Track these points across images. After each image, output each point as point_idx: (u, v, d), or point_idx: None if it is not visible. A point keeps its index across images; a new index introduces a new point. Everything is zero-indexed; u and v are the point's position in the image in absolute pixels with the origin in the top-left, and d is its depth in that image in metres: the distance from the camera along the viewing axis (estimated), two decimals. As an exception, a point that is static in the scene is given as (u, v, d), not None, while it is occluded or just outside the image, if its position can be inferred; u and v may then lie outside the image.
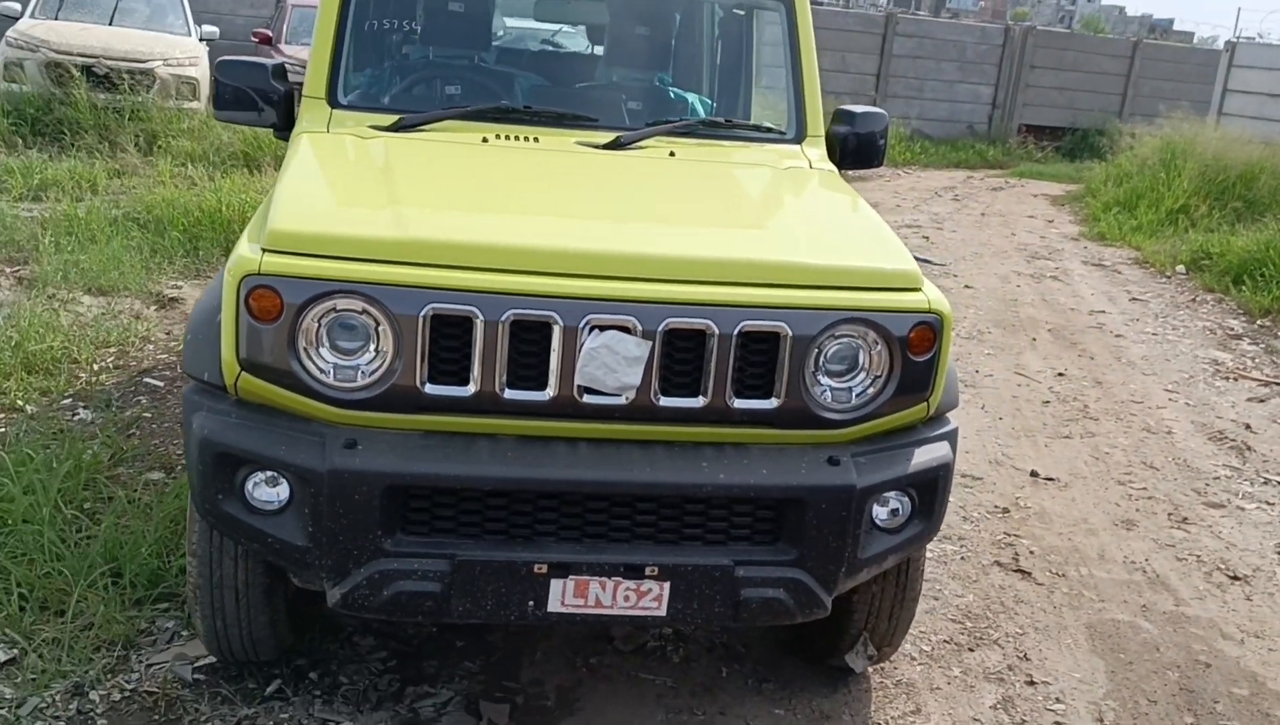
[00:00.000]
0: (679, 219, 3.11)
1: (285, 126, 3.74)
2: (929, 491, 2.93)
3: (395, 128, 3.52)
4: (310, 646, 3.36)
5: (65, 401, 5.09)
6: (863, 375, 2.84)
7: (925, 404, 2.90)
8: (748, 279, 2.75)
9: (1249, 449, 5.86)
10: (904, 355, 2.81)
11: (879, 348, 2.81)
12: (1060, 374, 6.95)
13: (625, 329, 2.65)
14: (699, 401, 2.73)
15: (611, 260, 2.71)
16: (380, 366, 2.66)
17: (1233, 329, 8.51)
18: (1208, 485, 5.30)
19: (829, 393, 2.82)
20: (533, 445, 2.71)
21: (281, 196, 2.89)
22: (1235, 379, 7.19)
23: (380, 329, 2.64)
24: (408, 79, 4.18)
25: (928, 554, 4.25)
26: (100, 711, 3.02)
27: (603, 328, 2.65)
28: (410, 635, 3.46)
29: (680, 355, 2.71)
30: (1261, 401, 6.78)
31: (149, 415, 4.96)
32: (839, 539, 2.79)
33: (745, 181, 3.55)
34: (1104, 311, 8.84)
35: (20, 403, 5.00)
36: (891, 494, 2.90)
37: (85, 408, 5.02)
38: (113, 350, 5.83)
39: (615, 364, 2.65)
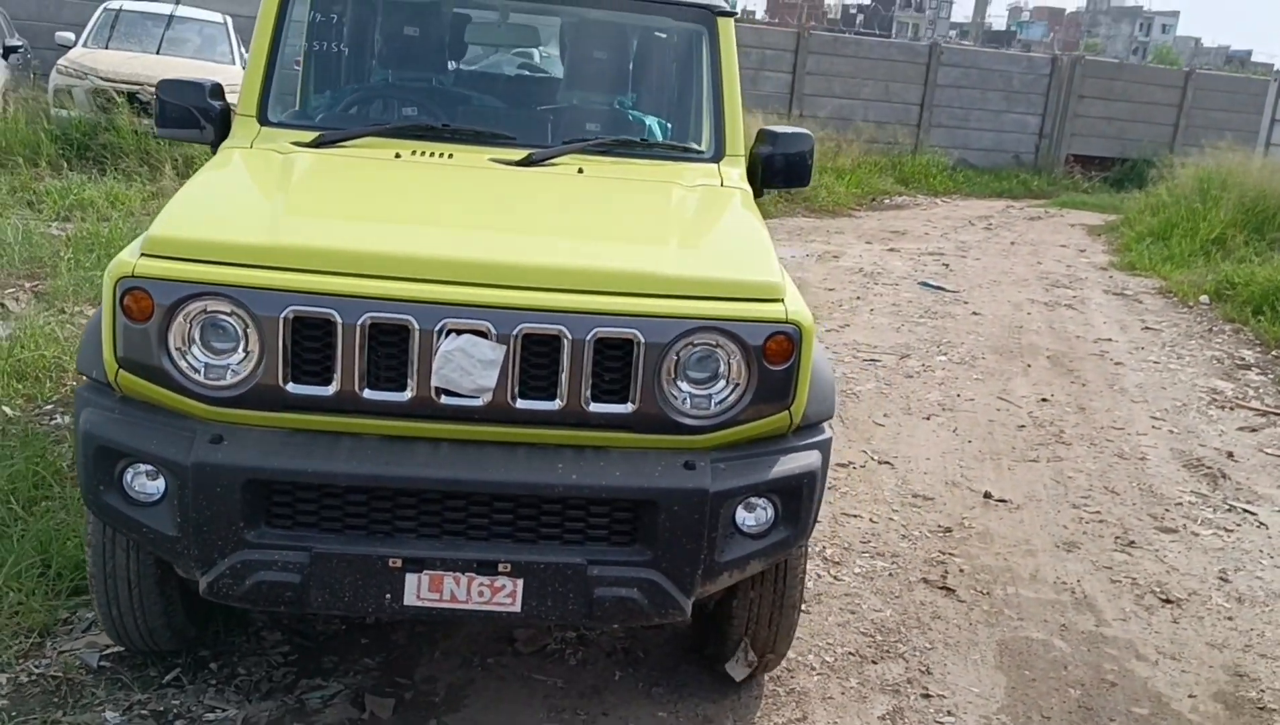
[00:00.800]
0: (551, 229, 3.20)
1: (219, 143, 3.90)
2: (793, 498, 2.96)
3: (316, 144, 3.66)
4: (215, 638, 3.48)
5: (47, 407, 5.30)
6: (722, 383, 2.89)
7: (787, 413, 2.94)
8: (601, 287, 2.82)
9: (1223, 477, 5.76)
10: (760, 364, 2.85)
11: (736, 357, 2.86)
12: (1044, 400, 6.89)
13: (480, 333, 2.74)
14: (555, 404, 2.80)
15: (467, 266, 2.80)
16: (248, 366, 2.77)
17: (1243, 359, 8.36)
18: (1167, 511, 5.23)
19: (688, 399, 2.87)
20: (395, 444, 2.81)
21: (171, 205, 3.03)
22: (1232, 408, 7.07)
23: (247, 330, 2.75)
24: (350, 100, 4.33)
25: (855, 570, 4.27)
26: (4, 693, 3.16)
27: (458, 332, 2.73)
28: (317, 631, 3.56)
29: (537, 360, 2.79)
30: (1253, 431, 6.65)
31: (122, 421, 5.15)
32: (694, 541, 2.84)
33: (640, 197, 3.63)
34: (1110, 339, 8.73)
35: (3, 407, 5.21)
36: (759, 500, 2.94)
37: (64, 414, 5.23)
38: (106, 360, 6.04)
39: (470, 367, 2.74)
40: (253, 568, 2.76)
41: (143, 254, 2.78)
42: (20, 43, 13.76)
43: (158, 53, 12.80)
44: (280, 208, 3.04)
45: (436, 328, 2.73)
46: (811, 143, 4.11)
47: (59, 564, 3.66)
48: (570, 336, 2.75)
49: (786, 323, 2.86)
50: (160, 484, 2.81)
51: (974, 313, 9.26)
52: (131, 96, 11.75)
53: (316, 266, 2.76)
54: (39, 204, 9.65)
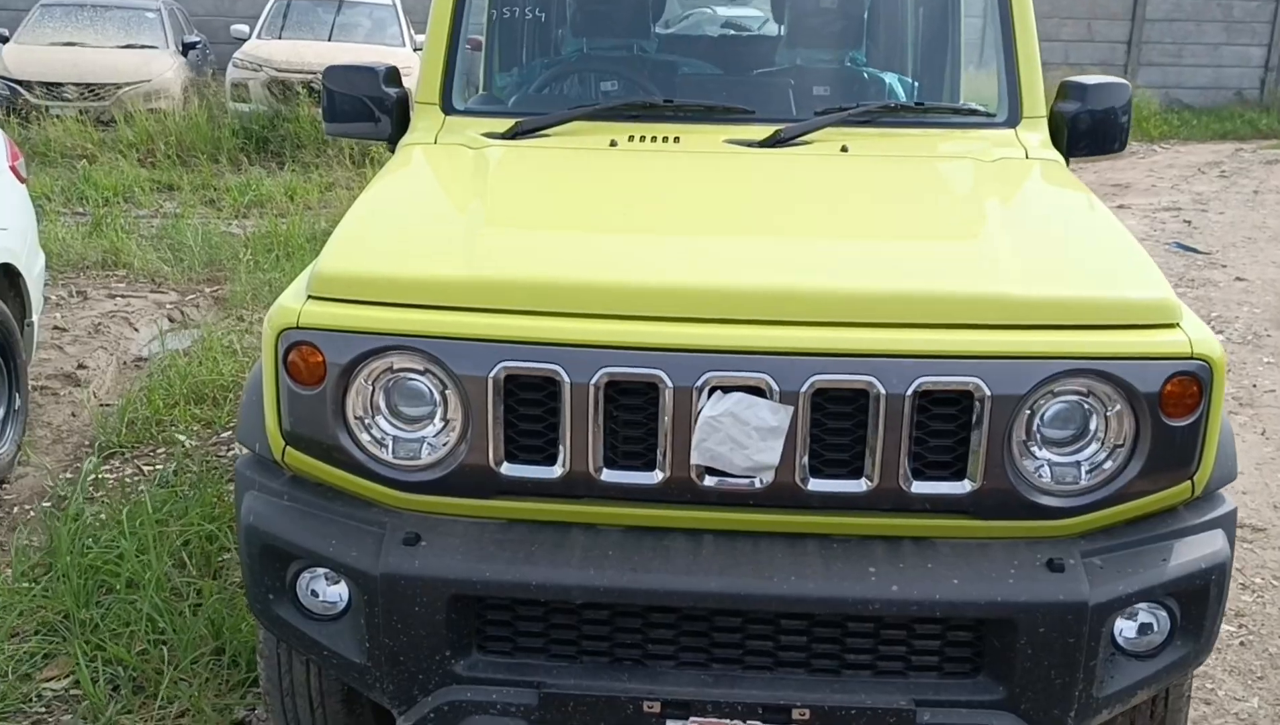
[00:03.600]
0: (836, 236, 2.38)
1: (399, 138, 3.23)
2: (1196, 602, 2.09)
3: (511, 134, 2.94)
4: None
5: (225, 434, 4.82)
6: (1095, 446, 2.04)
7: (1189, 483, 2.07)
8: (926, 319, 2.00)
9: None
10: (1155, 418, 1.99)
11: (1118, 408, 2.00)
12: (1362, 386, 5.71)
13: (757, 390, 1.96)
14: (861, 485, 2.01)
15: (736, 298, 2.02)
16: (448, 441, 2.07)
17: None
18: None
19: (1047, 470, 2.03)
20: (642, 540, 2.06)
21: (341, 231, 2.35)
22: None
23: (446, 393, 2.05)
24: (543, 77, 3.60)
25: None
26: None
27: (726, 389, 1.97)
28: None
29: (835, 423, 2.00)
30: None
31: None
32: (1066, 673, 2.00)
33: (935, 182, 2.77)
34: None
35: (179, 436, 4.75)
36: (1150, 606, 2.08)
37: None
38: (286, 375, 5.55)
39: (744, 437, 1.97)
40: (464, 710, 2.06)
41: (310, 296, 2.11)
42: (198, 38, 13.69)
43: (329, 39, 12.50)
44: (480, 224, 2.33)
45: (697, 384, 1.96)
46: (1128, 94, 3.17)
47: (233, 648, 3.08)
48: (883, 390, 1.95)
49: (1192, 358, 1.99)
50: (342, 592, 2.15)
51: (1237, 278, 8.01)
52: (309, 86, 11.45)
53: (534, 306, 2.03)
54: (219, 201, 9.39)
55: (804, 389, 1.95)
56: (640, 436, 2.02)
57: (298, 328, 2.07)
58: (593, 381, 1.97)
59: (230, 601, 3.28)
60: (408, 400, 2.09)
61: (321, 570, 2.15)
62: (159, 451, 4.67)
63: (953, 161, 2.87)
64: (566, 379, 1.98)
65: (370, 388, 2.08)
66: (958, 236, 2.37)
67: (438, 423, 2.09)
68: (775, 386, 1.95)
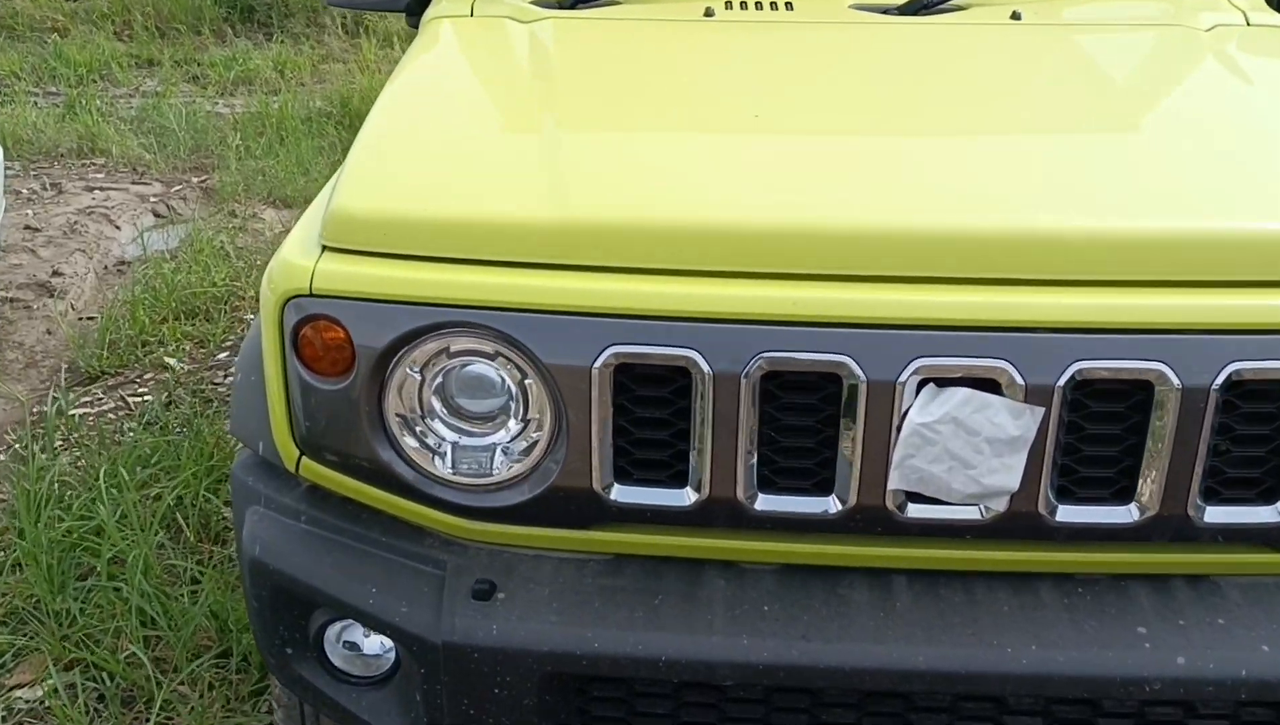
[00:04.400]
0: (1067, 154, 1.68)
1: (420, 10, 2.50)
2: None
3: (570, 1, 2.23)
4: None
5: (221, 356, 4.18)
6: None
7: None
8: (1244, 275, 1.35)
9: None
10: None
11: None
12: None
13: (990, 384, 1.32)
14: (1131, 513, 1.39)
15: (957, 247, 1.36)
16: (532, 451, 1.45)
17: None
18: None
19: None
20: (809, 589, 1.45)
21: (364, 148, 1.67)
22: None
23: (528, 385, 1.42)
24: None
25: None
26: None
27: (943, 382, 1.33)
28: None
29: (1098, 429, 1.36)
30: None
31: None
32: None
33: (1149, 63, 2.07)
34: None
35: (168, 359, 4.11)
36: None
37: (241, 365, 4.08)
38: (287, 281, 4.88)
39: (971, 452, 1.34)
40: (563, 821, 1.49)
41: (325, 247, 1.45)
42: (173, -105, 12.54)
43: (316, -106, 11.40)
44: (557, 138, 1.65)
45: (901, 377, 1.32)
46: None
47: (243, 647, 2.50)
48: (1178, 382, 1.31)
49: None
50: (387, 644, 1.55)
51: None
52: (293, -54, 10.44)
53: (657, 262, 1.38)
54: (203, 78, 8.54)
55: (1060, 381, 1.32)
56: (811, 449, 1.39)
57: (311, 296, 1.42)
58: (746, 372, 1.34)
59: (238, 584, 2.69)
60: (473, 394, 1.46)
61: (355, 622, 1.55)
62: (145, 377, 4.04)
63: (1158, 32, 2.17)
64: (707, 369, 1.34)
65: (419, 378, 1.44)
66: (1223, 148, 1.68)
67: (515, 424, 1.46)
68: (1020, 378, 1.31)
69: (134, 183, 6.32)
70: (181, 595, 2.65)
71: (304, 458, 1.53)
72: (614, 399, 1.38)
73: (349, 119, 7.11)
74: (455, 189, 1.50)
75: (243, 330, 4.39)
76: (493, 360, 1.43)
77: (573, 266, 1.38)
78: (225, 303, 4.56)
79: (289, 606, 1.56)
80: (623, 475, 1.43)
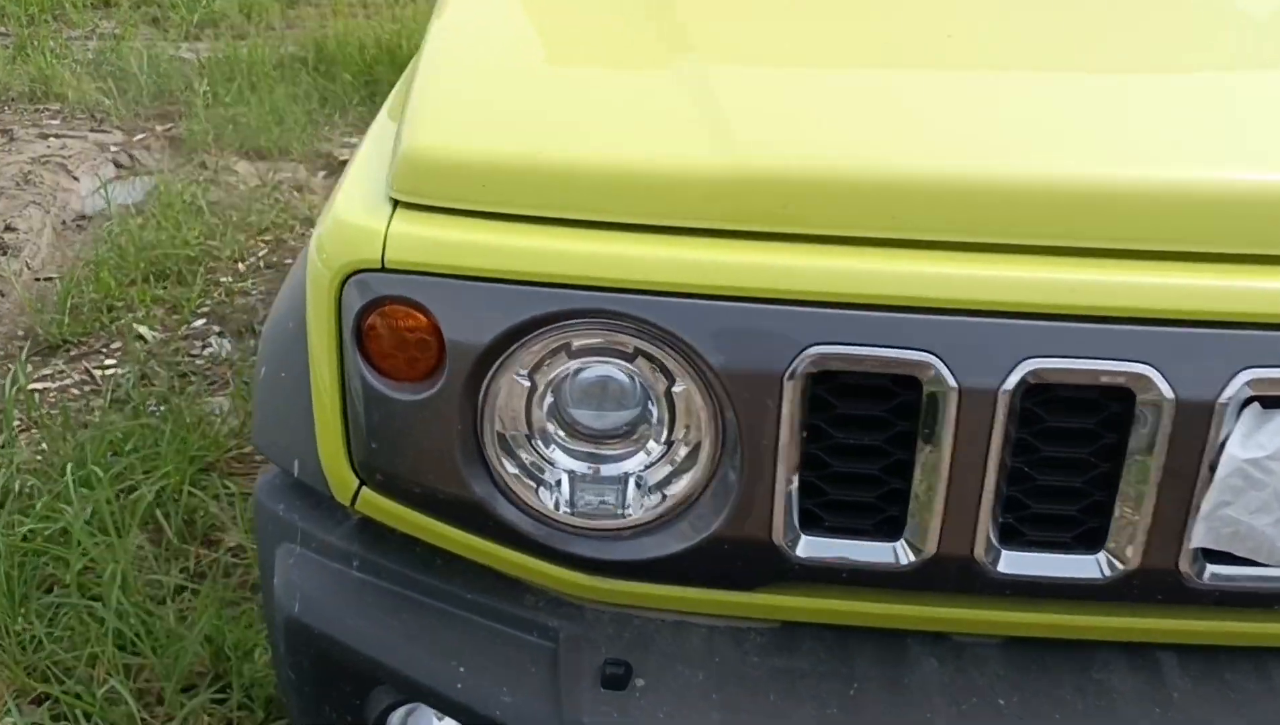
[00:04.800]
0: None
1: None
2: None
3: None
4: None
5: (197, 323, 3.73)
6: None
7: None
8: None
9: None
10: None
11: None
12: None
13: (1343, 406, 0.95)
14: None
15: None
16: (680, 485, 1.05)
17: None
18: None
19: None
20: (1048, 668, 1.08)
21: (441, 64, 1.26)
22: None
23: (678, 397, 1.02)
24: None
25: None
26: None
27: (1268, 402, 0.95)
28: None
29: None
30: None
31: (302, 345, 3.56)
32: None
33: None
34: None
35: (139, 327, 3.66)
36: None
37: (220, 334, 3.65)
38: (266, 239, 4.44)
39: (1310, 499, 0.96)
40: None
41: (397, 203, 1.04)
42: None
43: None
44: (704, 63, 1.24)
45: (1224, 395, 0.94)
46: None
47: (244, 678, 2.10)
48: None
49: None
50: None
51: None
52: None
53: (877, 227, 0.98)
54: (164, 20, 7.98)
55: None
56: (1079, 490, 1.01)
57: (383, 270, 1.01)
58: (1005, 386, 0.95)
59: (233, 599, 2.29)
60: (599, 405, 1.06)
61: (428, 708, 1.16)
62: (113, 347, 3.59)
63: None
64: (950, 380, 0.95)
65: (528, 385, 1.04)
66: None
67: (656, 448, 1.06)
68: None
69: (93, 130, 5.80)
70: (167, 614, 2.24)
71: (364, 488, 1.13)
72: (805, 416, 0.99)
73: (324, 65, 6.62)
74: (589, 127, 1.09)
75: (219, 294, 3.95)
76: (631, 361, 1.03)
77: (759, 235, 0.99)
78: (199, 263, 4.11)
79: (339, 682, 1.17)
80: (811, 522, 1.04)
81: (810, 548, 1.04)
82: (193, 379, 3.27)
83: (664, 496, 1.07)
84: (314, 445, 1.15)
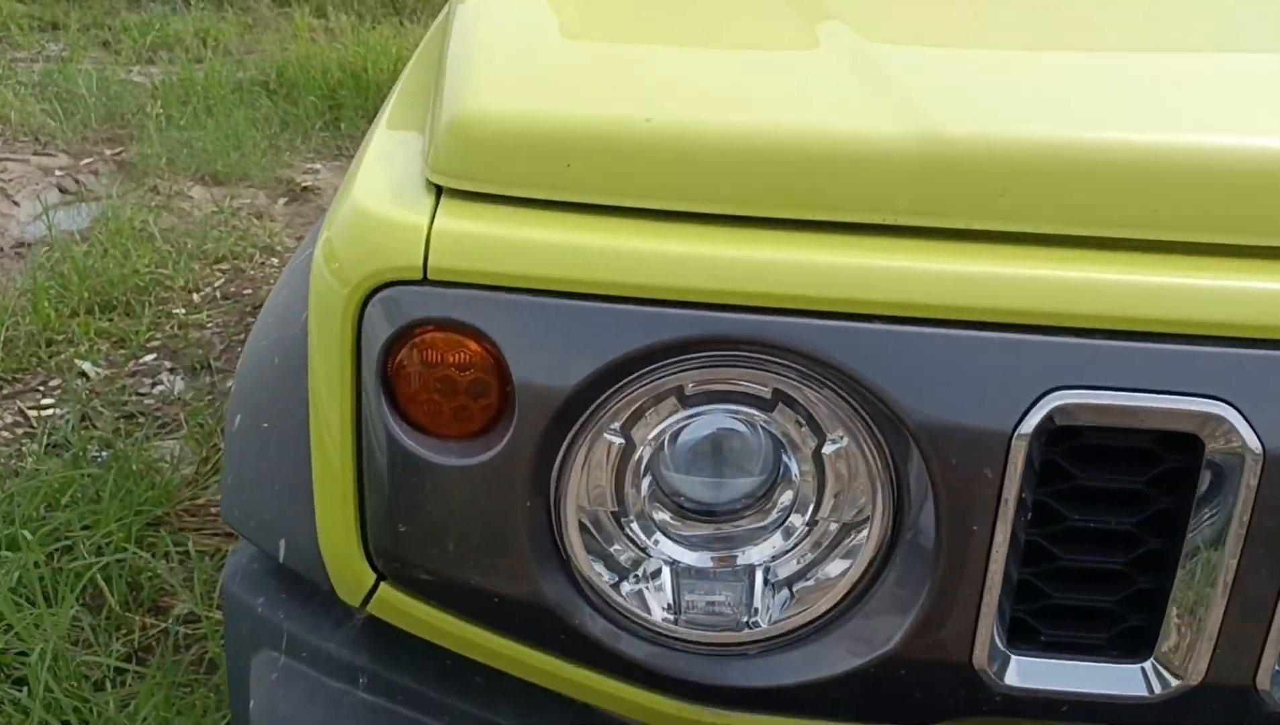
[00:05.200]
0: None
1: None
2: None
3: None
4: None
5: (146, 358, 3.37)
6: None
7: None
8: None
9: None
10: None
11: None
12: None
13: None
14: None
15: None
16: (837, 584, 0.74)
17: None
18: None
19: None
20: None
21: (489, 24, 0.95)
22: None
23: (833, 459, 0.72)
24: None
25: None
26: None
27: None
28: None
29: None
30: None
31: (263, 383, 3.20)
32: None
33: None
34: None
35: (81, 362, 3.29)
36: None
37: (172, 370, 3.29)
38: (223, 268, 4.09)
39: None
40: None
41: (443, 190, 0.73)
42: None
43: None
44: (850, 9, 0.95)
45: None
46: None
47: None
48: None
49: None
50: None
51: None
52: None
53: (1114, 219, 0.69)
54: (116, 44, 7.62)
55: None
56: None
57: (425, 282, 0.70)
58: (1324, 451, 0.66)
59: (185, 680, 1.93)
60: (718, 472, 0.75)
61: None
62: (51, 385, 3.22)
63: None
64: (1251, 439, 0.66)
65: (626, 446, 0.73)
66: None
67: (795, 529, 0.76)
68: None
69: (36, 154, 5.42)
70: (106, 702, 1.88)
71: (383, 583, 0.81)
72: (1036, 492, 0.69)
73: (285, 88, 6.31)
74: (718, 91, 0.79)
75: (171, 327, 3.59)
76: (770, 409, 0.73)
77: (964, 233, 0.69)
78: (149, 293, 3.75)
79: None
80: (1022, 636, 0.74)
81: (1024, 673, 0.74)
82: (140, 421, 2.92)
83: (805, 598, 0.77)
84: (309, 520, 0.83)
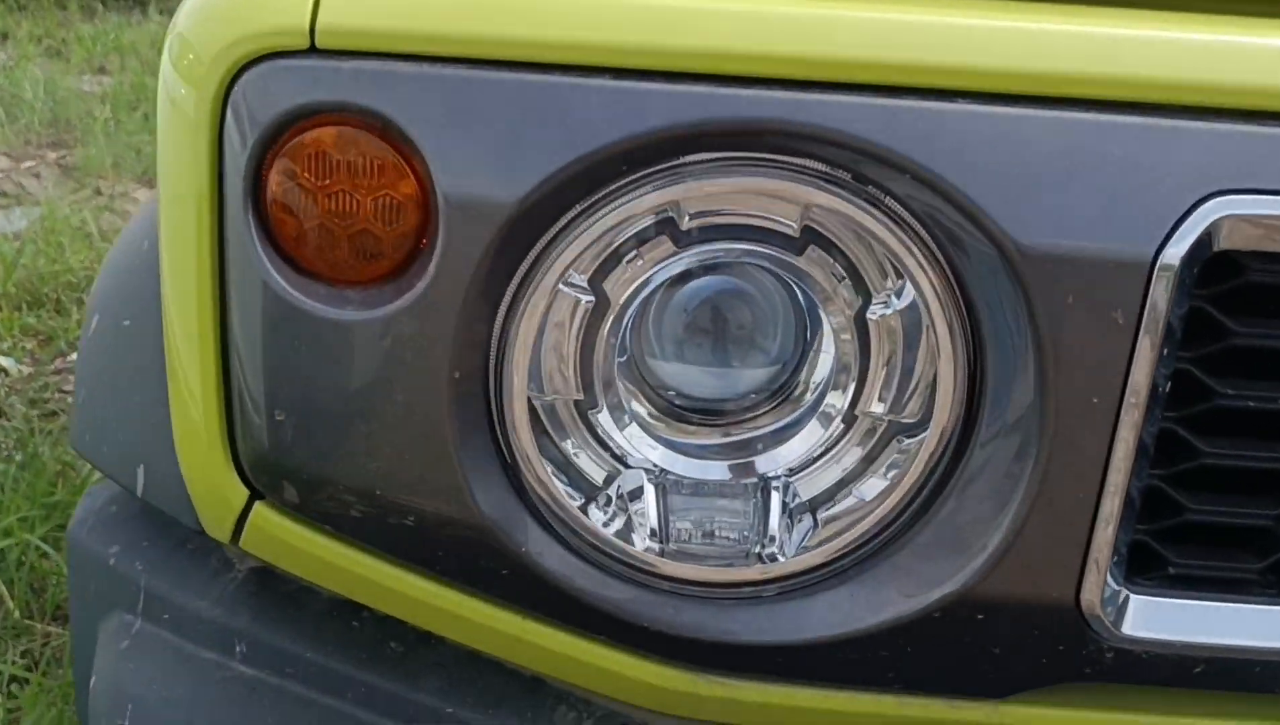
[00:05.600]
0: None
1: None
2: None
3: None
4: None
5: (73, 357, 3.12)
6: None
7: None
8: None
9: None
10: None
11: None
12: None
13: None
14: None
15: None
16: (885, 501, 0.53)
17: None
18: None
19: None
20: None
21: None
22: None
23: (881, 324, 0.50)
24: None
25: None
26: None
27: None
28: None
29: None
30: None
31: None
32: None
33: None
34: None
35: (1, 358, 3.04)
36: None
37: (101, 368, 3.04)
38: (164, 270, 3.85)
39: None
40: None
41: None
42: None
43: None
44: None
45: None
46: None
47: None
48: None
49: None
50: None
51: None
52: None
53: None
54: (66, 52, 7.39)
55: None
56: None
57: (313, 53, 0.48)
58: None
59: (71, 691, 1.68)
60: (721, 348, 0.54)
61: None
62: (-32, 382, 2.97)
63: None
64: None
65: (596, 304, 0.51)
66: None
67: (826, 430, 0.54)
68: None
69: (-26, 155, 5.18)
70: (-10, 716, 1.62)
71: (258, 504, 0.59)
72: (1174, 355, 0.49)
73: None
74: None
75: (105, 325, 3.34)
76: (798, 253, 0.52)
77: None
78: (83, 290, 3.50)
79: None
80: (1145, 567, 0.53)
81: (1148, 618, 0.52)
82: (59, 417, 2.67)
83: (840, 521, 0.55)
84: (168, 457, 0.61)
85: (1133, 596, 0.52)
